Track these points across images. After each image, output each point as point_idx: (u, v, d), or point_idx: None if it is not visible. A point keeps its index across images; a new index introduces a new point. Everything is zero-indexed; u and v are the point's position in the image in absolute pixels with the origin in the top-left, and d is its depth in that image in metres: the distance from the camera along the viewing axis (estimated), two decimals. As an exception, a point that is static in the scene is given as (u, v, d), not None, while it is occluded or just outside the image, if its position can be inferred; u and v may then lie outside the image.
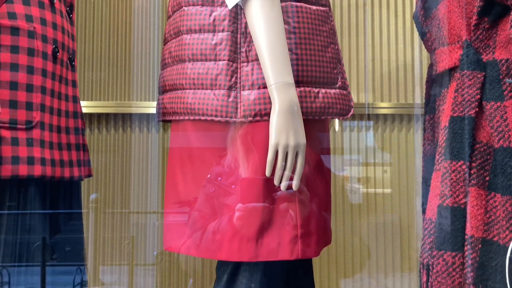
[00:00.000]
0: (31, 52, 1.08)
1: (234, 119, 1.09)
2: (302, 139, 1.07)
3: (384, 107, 1.86)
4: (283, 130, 1.05)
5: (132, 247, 1.82)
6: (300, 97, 1.09)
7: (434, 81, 1.27)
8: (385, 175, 1.90)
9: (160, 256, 1.83)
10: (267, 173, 1.07)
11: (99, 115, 1.83)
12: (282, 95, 1.05)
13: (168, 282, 1.80)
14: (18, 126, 1.07)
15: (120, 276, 1.83)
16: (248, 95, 1.09)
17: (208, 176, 1.16)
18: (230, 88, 1.09)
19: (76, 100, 1.23)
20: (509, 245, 1.04)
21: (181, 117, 1.15)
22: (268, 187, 1.09)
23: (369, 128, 1.90)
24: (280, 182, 1.08)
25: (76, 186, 1.32)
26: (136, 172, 1.82)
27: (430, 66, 1.31)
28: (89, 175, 1.29)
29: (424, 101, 1.33)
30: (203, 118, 1.11)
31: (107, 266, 1.83)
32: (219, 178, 1.14)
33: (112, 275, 1.84)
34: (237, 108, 1.09)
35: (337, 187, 1.85)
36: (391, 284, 1.82)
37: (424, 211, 1.24)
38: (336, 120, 1.89)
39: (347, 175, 1.89)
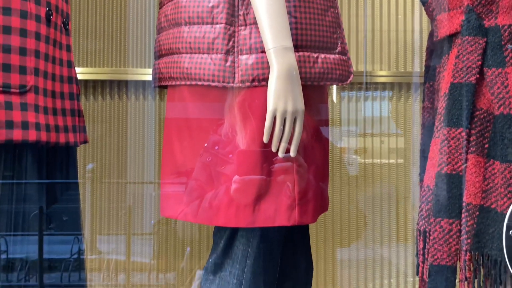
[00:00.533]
0: (24, 14, 1.06)
1: (232, 85, 1.07)
2: (301, 105, 1.06)
3: (383, 75, 1.85)
4: (281, 96, 1.03)
5: (129, 217, 1.82)
6: (298, 62, 1.07)
7: (435, 48, 1.25)
8: (382, 145, 1.90)
9: (157, 226, 1.83)
10: (265, 139, 1.06)
11: (94, 82, 1.81)
12: (280, 60, 1.03)
13: (165, 251, 1.81)
14: (12, 90, 1.05)
15: (117, 245, 1.84)
16: (246, 60, 1.07)
17: (205, 145, 1.15)
18: (227, 53, 1.08)
19: (70, 65, 1.21)
20: (506, 212, 1.04)
21: (178, 82, 1.13)
22: (266, 155, 1.08)
23: (367, 98, 1.88)
24: (278, 149, 1.07)
25: (72, 153, 1.31)
26: (132, 141, 1.81)
27: (431, 34, 1.29)
28: (85, 142, 1.28)
29: (424, 69, 1.32)
30: (199, 83, 1.09)
31: (104, 236, 1.84)
32: (216, 147, 1.13)
33: (109, 244, 1.85)
34: (234, 73, 1.07)
35: (334, 158, 1.84)
36: (386, 253, 1.83)
37: (421, 179, 1.23)
38: (334, 90, 1.87)
39: (345, 147, 1.88)
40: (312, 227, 1.39)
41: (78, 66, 1.77)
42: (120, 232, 1.83)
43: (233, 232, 1.13)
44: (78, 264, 1.51)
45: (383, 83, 1.84)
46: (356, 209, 1.84)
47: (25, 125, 1.06)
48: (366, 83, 1.85)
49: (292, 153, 1.08)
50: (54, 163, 1.26)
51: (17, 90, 1.05)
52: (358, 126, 1.88)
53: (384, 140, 1.92)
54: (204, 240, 1.79)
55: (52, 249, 1.39)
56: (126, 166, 1.83)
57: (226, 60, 1.07)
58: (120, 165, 1.83)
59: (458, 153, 1.09)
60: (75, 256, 1.49)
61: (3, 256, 1.22)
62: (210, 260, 1.15)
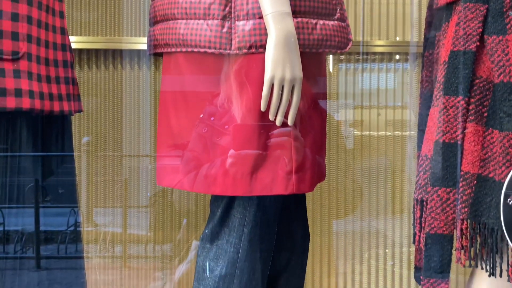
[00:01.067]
0: (14, -21, 1.04)
1: (228, 51, 1.06)
2: (299, 73, 1.04)
3: (380, 45, 1.83)
4: (279, 63, 1.02)
5: (125, 190, 1.82)
6: (297, 28, 1.05)
7: (435, 16, 1.24)
8: (379, 117, 1.89)
9: (153, 198, 1.83)
10: (262, 107, 1.05)
11: (88, 51, 1.78)
12: (278, 26, 1.01)
13: (161, 222, 1.81)
14: (4, 56, 1.03)
15: (114, 218, 1.84)
16: (243, 26, 1.05)
17: (201, 115, 1.13)
18: (224, 18, 1.05)
19: (64, 32, 1.19)
20: (504, 181, 1.04)
21: (173, 49, 1.11)
22: (263, 124, 1.07)
23: (364, 70, 1.87)
24: (275, 117, 1.06)
25: (67, 122, 1.29)
26: (127, 113, 1.79)
27: (430, 4, 1.27)
28: (79, 111, 1.26)
29: (423, 37, 1.30)
30: (195, 50, 1.08)
31: (100, 208, 1.84)
32: (212, 118, 1.12)
33: (105, 217, 1.85)
34: (231, 40, 1.05)
35: (331, 130, 1.84)
36: (382, 226, 1.84)
37: (419, 149, 1.23)
38: (331, 61, 1.85)
39: (341, 120, 1.87)
40: (308, 200, 1.39)
41: (72, 35, 1.74)
42: (116, 204, 1.83)
43: (230, 201, 1.12)
44: (75, 236, 1.51)
45: (381, 53, 1.83)
46: (352, 181, 1.84)
47: (18, 93, 1.04)
48: (363, 53, 1.84)
49: (289, 122, 1.07)
50: (50, 133, 1.25)
51: (10, 57, 1.03)
52: (354, 99, 1.87)
53: (380, 112, 1.91)
54: (201, 211, 1.79)
55: (49, 222, 1.39)
56: (122, 138, 1.82)
57: (222, 26, 1.05)
58: (115, 137, 1.81)
59: (457, 122, 1.08)
60: (72, 228, 1.49)
61: (0, 228, 1.22)
62: (207, 229, 1.15)
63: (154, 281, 1.81)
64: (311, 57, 1.12)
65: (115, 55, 1.79)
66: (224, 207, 1.12)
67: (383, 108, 1.88)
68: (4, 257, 1.22)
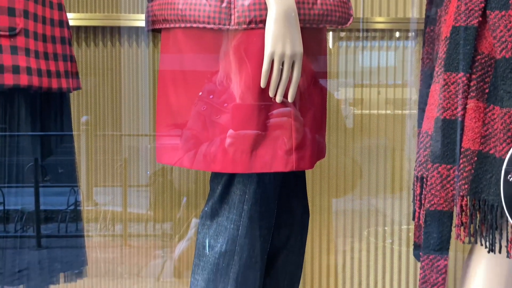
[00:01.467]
0: (10, -47, 1.02)
1: (228, 27, 1.04)
2: (299, 48, 1.03)
3: (381, 21, 1.81)
4: (279, 38, 1.01)
5: (125, 169, 1.82)
6: (297, 3, 1.04)
7: (436, -8, 1.22)
8: (379, 96, 1.88)
9: (153, 177, 1.83)
10: (262, 83, 1.04)
11: (86, 28, 1.76)
12: (278, 0, 1.00)
13: (161, 201, 1.81)
14: (1, 33, 1.02)
15: (114, 197, 1.84)
16: (243, 1, 1.03)
17: (200, 93, 1.13)
18: (223, -7, 1.04)
19: (61, 7, 1.17)
20: (505, 158, 1.04)
21: (172, 25, 1.10)
22: (263, 101, 1.07)
23: (364, 48, 1.85)
24: (275, 94, 1.05)
25: (65, 100, 1.29)
26: (126, 91, 1.78)
27: (431, -19, 1.25)
28: (78, 88, 1.25)
29: (424, 13, 1.29)
30: (194, 25, 1.06)
31: (100, 187, 1.84)
32: (211, 96, 1.11)
33: (105, 196, 1.85)
34: (230, 15, 1.04)
35: (331, 109, 1.83)
36: (381, 205, 1.84)
37: (419, 126, 1.22)
38: (330, 38, 1.84)
39: (341, 99, 1.87)
40: (308, 178, 1.39)
41: (69, 12, 1.72)
42: (116, 184, 1.83)
43: (230, 178, 1.12)
44: (75, 215, 1.52)
45: (382, 30, 1.81)
46: (352, 160, 1.84)
47: (16, 69, 1.03)
48: (363, 30, 1.82)
49: (290, 98, 1.06)
50: (48, 111, 1.24)
51: (7, 33, 1.02)
52: (354, 77, 1.86)
53: (380, 91, 1.90)
54: (200, 190, 1.79)
55: (49, 201, 1.39)
56: (121, 117, 1.81)
57: (222, 1, 1.04)
58: (114, 116, 1.81)
59: (458, 99, 1.07)
60: (72, 207, 1.50)
61: (0, 207, 1.22)
62: (207, 206, 1.15)
63: (154, 259, 1.82)
64: (312, 33, 1.10)
65: (113, 32, 1.77)
66: (224, 184, 1.12)
67: (383, 86, 1.87)
68: (5, 236, 1.22)
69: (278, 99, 1.06)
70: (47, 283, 1.24)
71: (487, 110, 1.07)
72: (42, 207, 1.35)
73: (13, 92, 1.09)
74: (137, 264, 1.81)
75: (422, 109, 1.22)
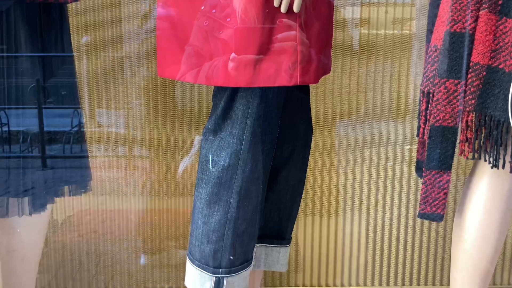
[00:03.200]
0: None
1: None
2: (305, -45, 0.98)
3: None
4: None
5: (127, 90, 1.80)
6: None
7: None
8: (387, 15, 1.82)
9: (155, 98, 1.82)
10: (266, -7, 1.00)
11: None
12: None
13: (164, 122, 1.81)
14: None
15: (117, 119, 1.83)
16: None
17: (202, 8, 1.09)
18: None
19: None
20: (514, 72, 1.01)
21: None
22: (268, 12, 1.03)
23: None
24: (280, 3, 1.02)
25: (64, 13, 1.26)
26: (126, 9, 1.73)
27: None
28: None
29: None
30: None
31: (103, 109, 1.83)
32: (214, 11, 1.07)
33: (108, 118, 1.84)
34: None
35: (337, 28, 1.78)
36: (385, 129, 1.84)
37: (428, 41, 1.19)
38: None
39: (347, 18, 1.81)
40: (312, 100, 1.37)
41: None
42: (118, 106, 1.82)
43: (233, 93, 1.10)
44: (79, 137, 1.52)
45: None
46: (357, 81, 1.81)
47: None
48: None
49: (295, 9, 1.02)
50: (48, 28, 1.21)
51: None
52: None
53: (388, 10, 1.84)
54: (203, 109, 1.78)
55: (52, 122, 1.39)
56: (122, 38, 1.77)
57: None
58: (115, 38, 1.76)
59: (470, 10, 1.03)
60: (76, 129, 1.50)
61: (5, 128, 1.22)
62: (210, 121, 1.14)
63: (158, 179, 1.84)
64: None
65: None
66: (226, 99, 1.11)
67: (391, 5, 1.81)
68: (11, 157, 1.23)
69: (283, 8, 1.02)
70: (52, 196, 1.26)
71: (499, 23, 1.03)
72: (46, 129, 1.35)
73: (8, 5, 1.06)
74: (140, 185, 1.83)
75: (430, 31, 1.17)
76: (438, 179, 1.10)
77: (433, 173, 1.10)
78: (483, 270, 1.16)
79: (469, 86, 1.05)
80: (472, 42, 1.05)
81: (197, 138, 1.80)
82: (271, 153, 1.18)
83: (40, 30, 1.19)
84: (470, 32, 1.04)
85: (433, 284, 1.83)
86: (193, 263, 1.16)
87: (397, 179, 1.82)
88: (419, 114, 1.14)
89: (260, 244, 1.31)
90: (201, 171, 1.13)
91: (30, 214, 1.20)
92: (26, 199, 1.19)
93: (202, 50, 1.09)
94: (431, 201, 1.11)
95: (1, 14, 1.08)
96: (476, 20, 1.04)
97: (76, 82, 1.44)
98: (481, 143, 1.08)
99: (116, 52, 1.80)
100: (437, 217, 1.11)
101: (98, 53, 1.79)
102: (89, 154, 1.77)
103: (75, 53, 1.70)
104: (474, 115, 1.06)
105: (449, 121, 1.07)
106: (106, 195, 1.82)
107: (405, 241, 1.82)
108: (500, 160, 1.07)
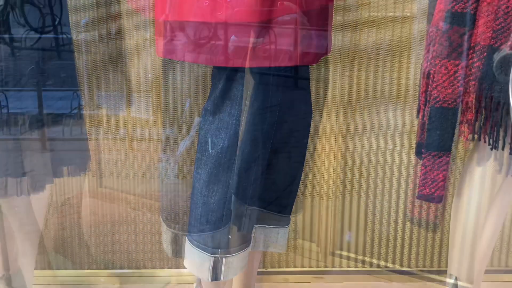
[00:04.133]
0: None
1: None
2: None
3: None
4: None
5: (127, 73, 1.79)
6: None
7: None
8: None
9: (155, 82, 1.81)
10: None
11: None
12: None
13: (164, 105, 1.80)
14: None
15: (116, 102, 1.83)
16: None
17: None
18: None
19: None
20: (516, 52, 1.01)
21: None
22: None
23: None
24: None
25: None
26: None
27: None
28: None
29: None
30: None
31: (102, 92, 1.82)
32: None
33: (107, 101, 1.84)
34: None
35: (337, 10, 1.76)
36: (384, 110, 1.83)
37: (429, 22, 1.18)
38: None
39: None
40: (311, 81, 1.36)
41: None
42: (118, 89, 1.81)
43: (232, 73, 1.10)
44: (79, 119, 1.52)
45: None
46: (357, 63, 1.80)
47: None
48: None
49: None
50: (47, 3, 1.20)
51: None
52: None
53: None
54: (203, 93, 1.78)
55: (52, 105, 1.39)
56: (121, 19, 1.76)
57: None
58: (113, 19, 1.75)
59: (471, -10, 1.02)
60: (75, 111, 1.50)
61: (4, 111, 1.22)
62: (209, 102, 1.14)
63: (158, 162, 1.84)
64: None
65: None
66: (225, 79, 1.10)
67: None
68: (10, 139, 1.23)
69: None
70: (50, 177, 1.27)
71: (502, 2, 1.02)
72: (45, 111, 1.35)
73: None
74: (141, 167, 1.83)
75: (431, 14, 1.16)
76: (438, 161, 1.10)
77: (432, 154, 1.10)
78: (480, 252, 1.16)
79: (469, 67, 1.04)
80: (473, 22, 1.04)
81: (196, 120, 1.79)
82: (271, 134, 1.18)
83: (40, 12, 1.18)
84: (472, 12, 1.03)
85: (431, 266, 1.85)
86: (192, 244, 1.17)
87: (396, 161, 1.82)
88: (419, 95, 1.14)
89: (259, 225, 1.32)
90: (200, 151, 1.13)
91: (29, 194, 1.20)
92: (25, 179, 1.19)
93: (202, 31, 1.08)
94: (430, 182, 1.11)
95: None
96: (477, 0, 1.03)
97: (75, 64, 1.44)
98: (481, 124, 1.08)
99: (115, 34, 1.79)
100: (436, 199, 1.11)
101: (97, 35, 1.77)
102: (89, 136, 1.77)
103: (73, 35, 1.69)
104: (474, 96, 1.06)
105: (449, 102, 1.07)
106: (106, 177, 1.83)
107: (404, 224, 1.83)
108: (499, 141, 1.06)
